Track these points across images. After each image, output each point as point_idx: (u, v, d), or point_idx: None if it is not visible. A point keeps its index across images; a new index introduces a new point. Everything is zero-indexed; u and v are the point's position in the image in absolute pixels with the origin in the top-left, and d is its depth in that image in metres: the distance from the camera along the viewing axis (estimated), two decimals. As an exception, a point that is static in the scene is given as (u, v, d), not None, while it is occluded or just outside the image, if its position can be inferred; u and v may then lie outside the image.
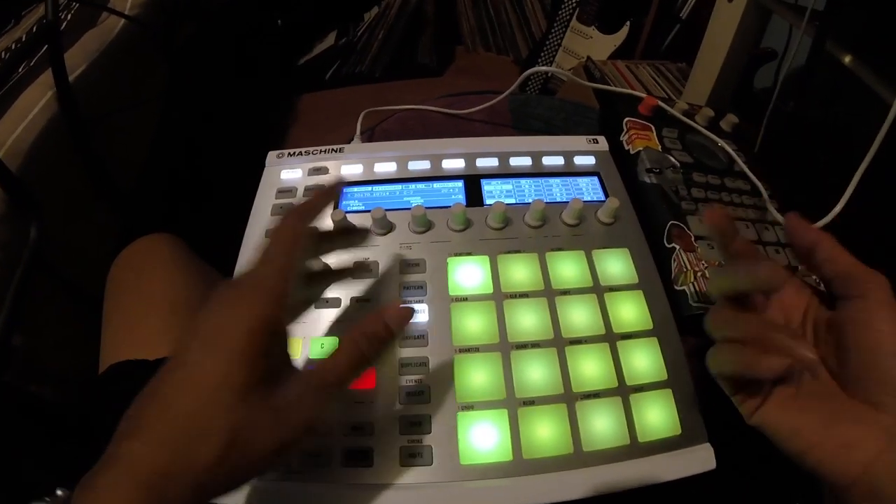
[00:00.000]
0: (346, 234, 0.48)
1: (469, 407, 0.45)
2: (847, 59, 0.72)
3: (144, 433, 0.29)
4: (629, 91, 0.76)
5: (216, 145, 1.36)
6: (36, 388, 0.87)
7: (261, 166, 0.62)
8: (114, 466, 0.28)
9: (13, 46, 1.03)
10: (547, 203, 0.54)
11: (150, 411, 0.30)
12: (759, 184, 0.66)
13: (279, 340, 0.34)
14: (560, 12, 1.54)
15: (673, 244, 0.58)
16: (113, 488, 0.27)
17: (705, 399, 0.47)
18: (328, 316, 0.50)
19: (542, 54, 1.58)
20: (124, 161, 1.15)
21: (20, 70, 1.00)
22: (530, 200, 0.55)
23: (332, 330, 0.49)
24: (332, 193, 0.42)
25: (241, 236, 0.57)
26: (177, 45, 1.33)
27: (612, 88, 0.79)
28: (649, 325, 0.50)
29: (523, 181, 0.59)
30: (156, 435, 0.29)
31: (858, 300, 0.34)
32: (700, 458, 0.45)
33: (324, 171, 0.61)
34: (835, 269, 0.36)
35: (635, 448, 0.44)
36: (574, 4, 1.50)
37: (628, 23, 1.43)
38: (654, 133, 0.69)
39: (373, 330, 0.36)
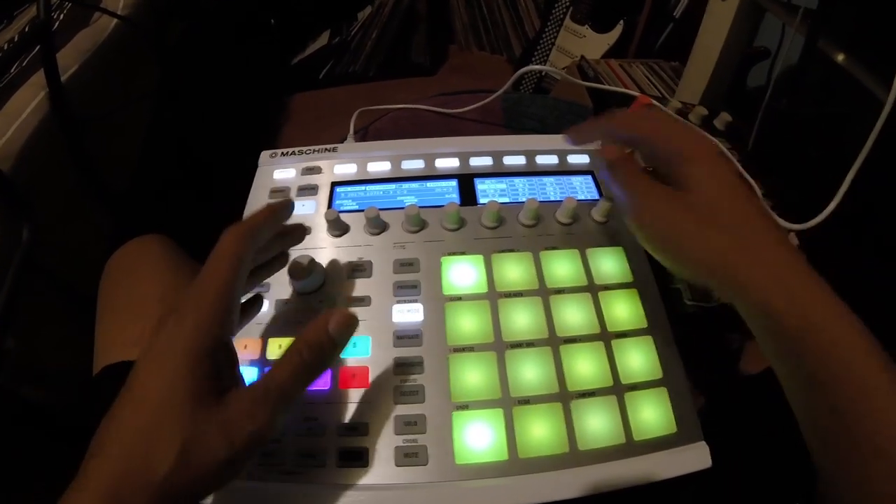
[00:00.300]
0: (282, 236, 0.47)
1: (464, 406, 0.44)
2: (840, 57, 0.72)
3: (104, 450, 0.31)
4: (622, 90, 0.76)
5: (208, 145, 1.36)
6: (29, 390, 0.87)
7: (253, 166, 0.62)
8: (79, 484, 0.30)
9: (5, 47, 1.03)
10: (541, 202, 0.54)
11: (108, 430, 0.31)
12: (752, 182, 0.66)
13: (224, 356, 0.35)
14: (553, 11, 1.54)
15: (667, 242, 0.58)
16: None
17: (700, 397, 0.48)
18: None
19: (536, 53, 1.57)
20: (117, 161, 1.15)
21: (12, 71, 0.99)
22: (524, 199, 0.55)
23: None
24: (280, 212, 0.43)
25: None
26: (169, 45, 1.33)
27: (606, 87, 0.79)
28: (644, 324, 0.50)
29: (517, 180, 0.59)
30: (113, 451, 0.30)
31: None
32: (695, 457, 0.44)
33: (317, 170, 0.60)
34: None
35: (631, 447, 0.44)
36: (567, 3, 1.50)
37: (622, 22, 1.43)
38: (648, 131, 0.69)
39: (315, 339, 0.36)
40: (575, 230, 0.55)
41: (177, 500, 0.30)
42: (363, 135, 0.81)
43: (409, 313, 0.49)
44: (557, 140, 0.64)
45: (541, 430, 0.44)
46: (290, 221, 0.52)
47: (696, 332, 0.56)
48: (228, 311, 0.35)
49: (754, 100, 0.83)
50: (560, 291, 0.50)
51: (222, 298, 0.35)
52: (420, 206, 0.53)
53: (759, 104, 0.79)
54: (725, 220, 0.37)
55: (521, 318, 0.49)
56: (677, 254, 0.39)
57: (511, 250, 0.53)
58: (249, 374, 0.47)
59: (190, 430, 0.31)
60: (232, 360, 0.36)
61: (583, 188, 0.59)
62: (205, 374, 0.32)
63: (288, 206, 0.44)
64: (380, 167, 0.60)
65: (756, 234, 0.36)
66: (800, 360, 0.34)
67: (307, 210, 0.57)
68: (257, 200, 0.59)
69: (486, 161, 0.61)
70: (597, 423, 0.45)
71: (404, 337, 0.48)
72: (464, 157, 0.61)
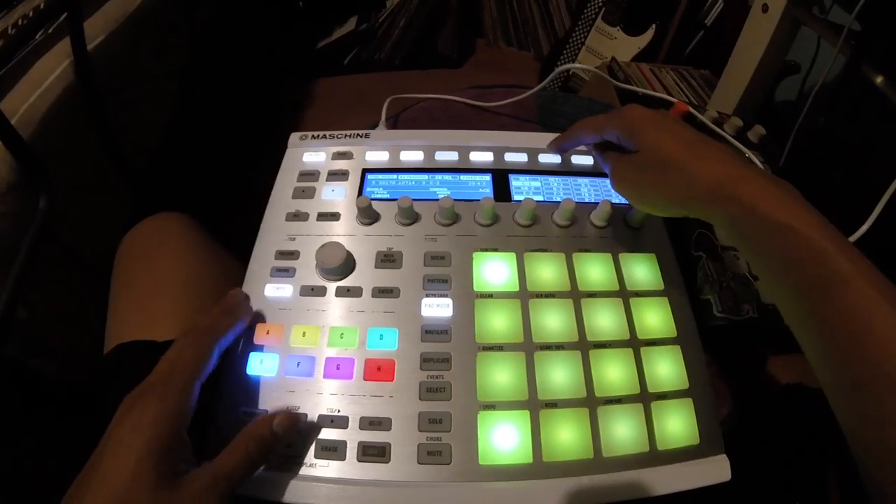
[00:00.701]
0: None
1: (490, 406, 0.44)
2: (879, 80, 0.71)
3: None
4: (660, 95, 0.75)
5: (231, 125, 1.35)
6: (39, 363, 0.86)
7: (273, 147, 0.61)
8: None
9: (30, 14, 1.02)
10: (576, 203, 0.53)
11: None
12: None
13: (180, 443, 0.37)
14: (585, 11, 1.52)
15: (700, 253, 0.57)
16: None
17: (723, 409, 0.47)
18: (349, 305, 0.49)
19: (565, 52, 1.56)
20: (139, 136, 1.14)
21: (37, 37, 0.98)
22: (558, 199, 0.54)
23: (353, 320, 0.48)
24: (247, 311, 0.47)
25: (253, 216, 0.56)
26: (197, 22, 1.32)
27: (643, 91, 0.77)
28: (673, 333, 0.49)
29: (552, 179, 0.58)
30: None
31: None
32: (716, 469, 0.44)
33: (348, 155, 0.60)
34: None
35: (653, 456, 0.44)
36: (600, 4, 1.48)
37: (654, 26, 1.42)
38: (684, 139, 0.68)
39: (260, 434, 0.40)
40: (609, 234, 0.54)
41: None
42: (394, 122, 0.80)
43: (438, 308, 0.48)
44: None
45: (567, 435, 0.43)
46: (321, 209, 0.54)
47: (724, 345, 0.56)
48: (188, 403, 0.39)
49: (780, 114, 0.82)
50: (592, 295, 0.50)
51: (184, 393, 0.38)
52: (453, 200, 0.53)
53: (787, 120, 0.78)
54: (678, 163, 0.42)
55: (552, 320, 0.48)
56: (651, 199, 0.45)
57: (544, 250, 0.52)
58: (270, 361, 0.46)
59: None
60: (186, 446, 0.39)
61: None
62: (164, 460, 0.35)
63: (248, 305, 0.48)
64: (412, 156, 0.60)
65: (704, 163, 0.41)
66: (770, 244, 0.37)
67: (337, 196, 0.56)
68: (286, 183, 0.58)
69: (521, 157, 0.60)
70: (622, 431, 0.44)
71: (432, 332, 0.47)
72: (499, 152, 0.60)
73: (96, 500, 0.33)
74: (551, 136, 0.56)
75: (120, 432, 0.36)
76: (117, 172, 1.06)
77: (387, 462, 0.42)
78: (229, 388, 0.45)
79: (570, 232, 0.54)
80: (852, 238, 0.57)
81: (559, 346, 0.47)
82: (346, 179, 0.58)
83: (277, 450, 0.42)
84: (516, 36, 1.80)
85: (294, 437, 0.43)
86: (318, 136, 0.62)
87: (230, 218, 0.60)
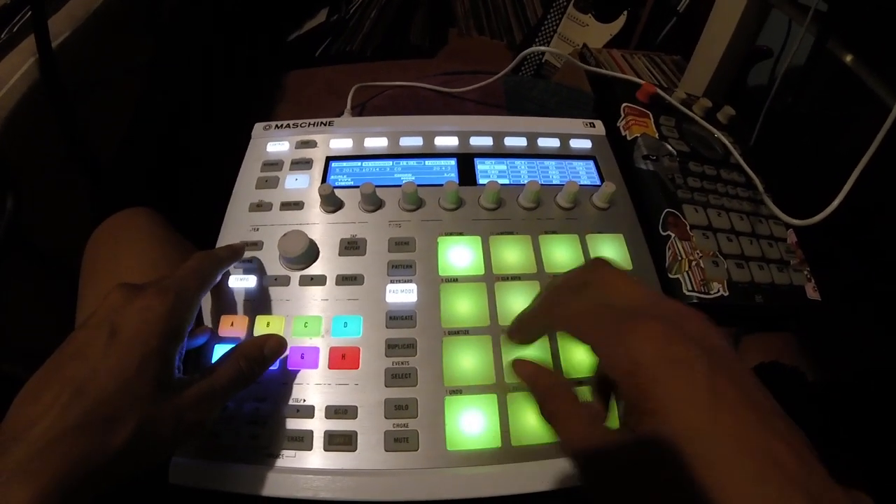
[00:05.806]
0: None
1: (457, 391, 0.43)
2: (848, 59, 0.71)
3: (52, 419, 0.30)
4: (628, 77, 0.75)
5: (200, 120, 1.34)
6: (7, 366, 0.85)
7: (245, 142, 0.60)
8: (21, 450, 0.29)
9: (-3, 16, 1.00)
10: (542, 185, 0.53)
11: (55, 398, 0.31)
12: (754, 176, 0.65)
13: (181, 348, 0.38)
14: (557, -2, 1.52)
15: (668, 232, 0.57)
16: (25, 474, 0.28)
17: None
18: (313, 294, 0.48)
19: (537, 40, 1.55)
20: (106, 132, 1.12)
21: (2, 36, 0.96)
22: (524, 181, 0.54)
23: (317, 308, 0.47)
24: (242, 251, 0.49)
25: (223, 211, 0.55)
26: (163, 16, 1.30)
27: (611, 73, 0.77)
28: (643, 314, 0.49)
29: (518, 162, 0.58)
30: (68, 421, 0.30)
31: None
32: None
33: (311, 144, 0.59)
34: None
35: None
36: (571, -9, 1.48)
37: (625, 13, 1.42)
38: (652, 120, 0.67)
39: (252, 354, 0.41)
40: (575, 215, 0.54)
41: (124, 472, 0.32)
42: (360, 111, 0.79)
43: (402, 294, 0.48)
44: (560, 123, 0.62)
45: (535, 418, 0.43)
46: (285, 199, 0.54)
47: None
48: (193, 310, 0.39)
49: (754, 98, 0.82)
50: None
51: (191, 300, 0.39)
52: (417, 185, 0.52)
53: (760, 103, 0.78)
54: None
55: (519, 302, 0.47)
56: None
57: (510, 233, 0.52)
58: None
59: (149, 409, 0.33)
60: (183, 351, 0.38)
61: (584, 173, 0.58)
62: (170, 359, 0.36)
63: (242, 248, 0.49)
64: (377, 143, 0.59)
65: None
66: None
67: (300, 184, 0.55)
68: (249, 174, 0.57)
69: (486, 141, 0.59)
70: (592, 413, 0.43)
71: (397, 318, 0.47)
72: (464, 137, 0.59)
73: (97, 389, 0.31)
74: (517, 119, 0.55)
75: (124, 323, 0.34)
76: (84, 170, 1.04)
77: (354, 450, 0.41)
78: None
79: (536, 214, 0.53)
80: (821, 215, 0.57)
81: (526, 329, 0.46)
82: (310, 168, 0.57)
83: (243, 441, 0.42)
84: (489, 24, 1.78)
85: (260, 428, 0.42)
86: (282, 125, 0.61)
87: (198, 211, 0.59)
